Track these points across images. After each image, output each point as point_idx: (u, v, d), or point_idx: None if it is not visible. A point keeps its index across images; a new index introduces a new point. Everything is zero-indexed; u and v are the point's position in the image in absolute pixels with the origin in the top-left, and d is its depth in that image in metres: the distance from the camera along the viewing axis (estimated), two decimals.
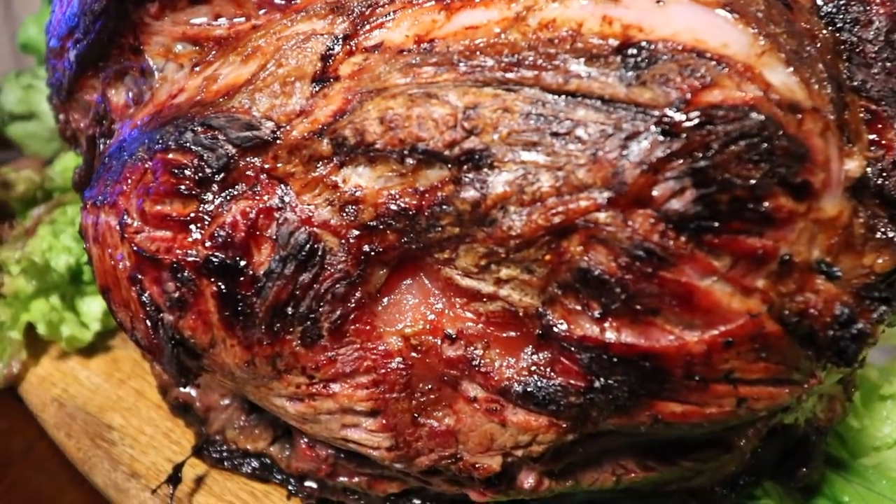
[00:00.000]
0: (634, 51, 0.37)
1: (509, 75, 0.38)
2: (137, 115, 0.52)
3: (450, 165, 0.39)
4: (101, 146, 0.58)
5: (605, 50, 0.38)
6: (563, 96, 0.37)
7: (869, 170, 0.41)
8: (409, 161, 0.39)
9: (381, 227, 0.41)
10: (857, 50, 0.42)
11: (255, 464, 0.59)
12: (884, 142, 0.41)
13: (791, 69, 0.38)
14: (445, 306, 0.43)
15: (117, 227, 0.46)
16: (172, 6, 0.50)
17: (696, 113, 0.35)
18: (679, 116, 0.35)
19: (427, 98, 0.39)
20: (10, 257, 0.70)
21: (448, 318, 0.43)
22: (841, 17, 0.42)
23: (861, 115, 0.42)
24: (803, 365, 0.40)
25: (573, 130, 0.37)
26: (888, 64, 0.42)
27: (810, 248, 0.38)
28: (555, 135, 0.37)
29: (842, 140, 0.39)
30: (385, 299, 0.44)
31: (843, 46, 0.42)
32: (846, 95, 0.41)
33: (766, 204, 0.36)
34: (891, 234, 0.40)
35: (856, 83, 0.42)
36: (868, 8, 0.42)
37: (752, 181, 0.35)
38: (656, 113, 0.36)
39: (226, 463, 0.60)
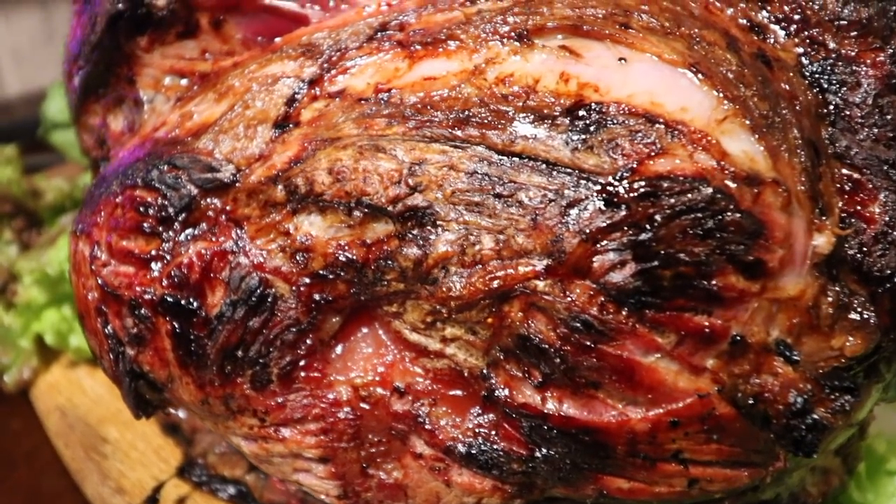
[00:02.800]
0: (584, 113, 0.36)
1: (457, 132, 0.37)
2: (126, 144, 0.53)
3: (394, 221, 0.38)
4: (102, 170, 0.59)
5: (555, 110, 0.36)
6: (509, 157, 0.36)
7: (848, 243, 0.38)
8: (357, 213, 0.39)
9: (331, 276, 0.41)
10: (843, 113, 0.39)
11: (231, 490, 0.59)
12: (866, 213, 0.39)
13: (755, 136, 0.36)
14: (396, 359, 0.42)
15: (89, 259, 0.47)
16: (162, 40, 0.51)
17: (641, 183, 0.34)
18: (623, 185, 0.34)
19: (375, 151, 0.38)
20: (25, 267, 0.73)
21: (398, 372, 0.42)
22: (826, 77, 0.40)
23: (841, 184, 0.39)
24: (763, 447, 0.38)
25: (516, 193, 0.36)
26: (875, 130, 0.39)
27: (767, 328, 0.35)
28: (498, 196, 0.36)
29: (812, 212, 0.37)
30: (339, 346, 0.43)
31: (827, 109, 0.40)
32: (824, 163, 0.38)
33: (715, 282, 0.34)
34: (866, 316, 0.37)
35: (839, 149, 0.39)
36: (856, 69, 0.40)
37: (699, 258, 0.33)
38: (600, 180, 0.34)
39: (205, 487, 0.61)
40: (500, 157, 0.36)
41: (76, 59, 0.57)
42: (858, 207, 0.39)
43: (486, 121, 0.37)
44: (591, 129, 0.35)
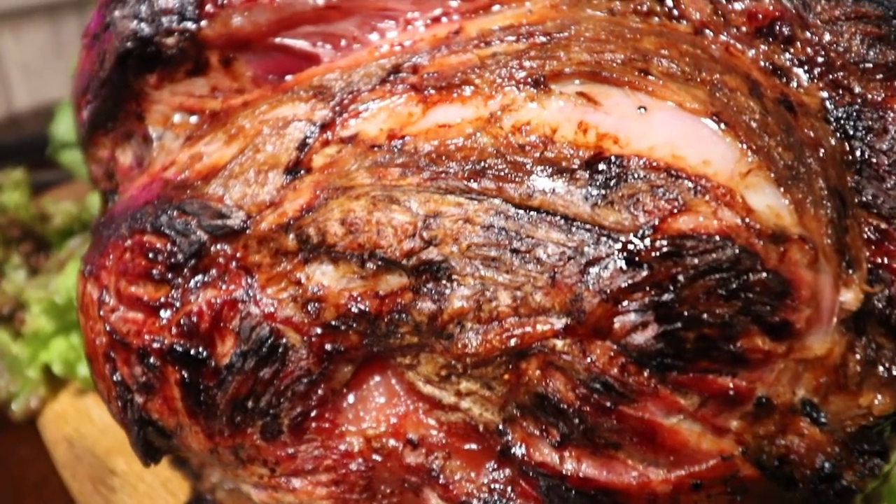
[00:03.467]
0: (604, 167, 0.35)
1: (473, 184, 0.36)
2: (134, 182, 0.52)
3: (408, 274, 0.37)
4: (110, 204, 0.58)
5: (574, 163, 0.35)
6: (526, 211, 0.35)
7: (877, 296, 0.37)
8: (370, 266, 0.38)
9: (344, 327, 0.40)
10: (869, 161, 0.38)
11: None
12: (894, 265, 0.37)
13: (781, 189, 0.35)
14: (409, 410, 0.41)
15: (97, 302, 0.46)
16: (171, 77, 0.50)
17: (664, 241, 0.33)
18: (644, 244, 0.33)
19: (389, 203, 0.37)
20: (32, 296, 0.72)
21: (411, 423, 0.41)
22: (852, 123, 0.39)
23: (868, 234, 0.38)
24: None
25: (533, 249, 0.35)
26: None
27: (793, 388, 0.34)
28: (515, 252, 0.35)
29: (839, 266, 0.36)
30: (351, 395, 0.43)
31: (852, 156, 0.39)
32: (850, 214, 0.37)
33: (739, 344, 0.33)
34: (895, 372, 0.36)
35: (865, 198, 0.38)
36: (883, 115, 0.38)
37: (723, 319, 0.32)
38: (621, 238, 0.33)
39: None
40: (518, 210, 0.35)
41: (84, 92, 0.56)
42: (886, 259, 0.38)
43: (502, 173, 0.36)
44: (612, 183, 0.34)
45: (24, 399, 0.72)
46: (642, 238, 0.33)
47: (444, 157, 0.38)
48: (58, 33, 1.58)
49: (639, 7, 0.43)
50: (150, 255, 0.43)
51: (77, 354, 0.73)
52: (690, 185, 0.34)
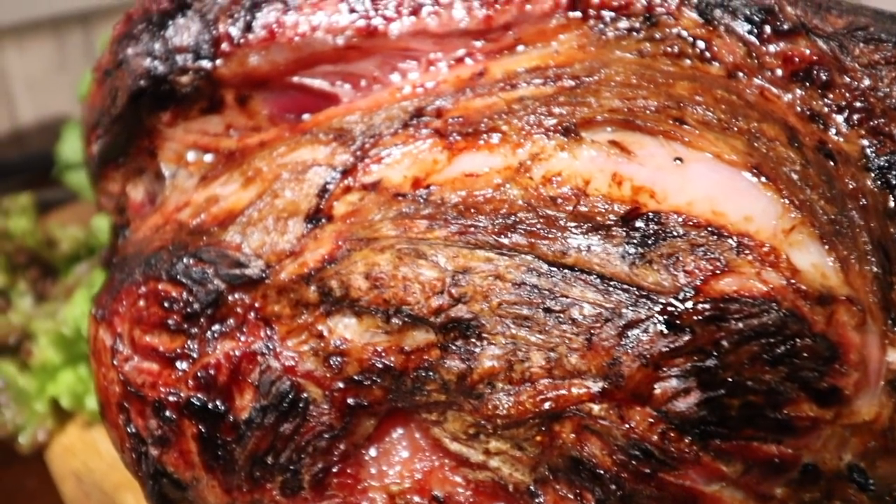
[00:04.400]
0: (642, 223, 0.33)
1: (503, 240, 0.35)
2: (147, 221, 0.51)
3: (436, 331, 0.36)
4: (120, 239, 0.57)
5: (609, 218, 0.34)
6: (560, 269, 0.34)
7: None
8: (395, 321, 0.37)
9: (367, 382, 0.38)
10: None
11: None
12: None
13: (825, 247, 0.33)
14: (435, 466, 0.40)
15: (110, 350, 0.45)
16: (185, 115, 0.49)
17: (707, 305, 0.31)
18: (686, 307, 0.32)
19: (415, 257, 0.36)
20: (40, 328, 0.71)
21: (437, 479, 0.40)
22: (894, 173, 0.37)
23: None
24: None
25: (568, 309, 0.33)
26: None
27: (840, 454, 0.33)
28: (548, 311, 0.34)
29: (886, 324, 0.34)
30: (373, 449, 0.41)
31: (895, 207, 0.37)
32: (894, 268, 0.36)
33: (785, 411, 0.31)
34: None
35: None
36: None
37: (769, 386, 0.31)
38: (661, 300, 0.32)
39: None
40: (551, 268, 0.34)
41: (95, 126, 0.55)
42: None
43: (534, 228, 0.35)
44: (650, 241, 0.33)
45: (31, 432, 0.71)
46: (684, 300, 0.32)
47: (472, 210, 0.36)
48: (62, 47, 1.57)
49: (669, 49, 0.41)
50: (166, 304, 0.42)
51: (85, 387, 0.71)
52: (733, 243, 0.32)
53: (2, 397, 0.74)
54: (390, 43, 0.44)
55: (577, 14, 0.43)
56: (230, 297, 0.41)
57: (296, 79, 0.46)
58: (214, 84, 0.47)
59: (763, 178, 0.34)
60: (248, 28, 0.45)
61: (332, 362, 0.39)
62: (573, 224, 0.34)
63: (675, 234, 0.33)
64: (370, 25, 0.43)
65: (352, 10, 0.44)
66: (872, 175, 0.38)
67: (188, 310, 0.41)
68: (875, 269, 0.35)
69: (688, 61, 0.41)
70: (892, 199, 0.37)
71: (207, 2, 0.46)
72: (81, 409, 0.71)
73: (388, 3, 0.43)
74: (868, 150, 0.38)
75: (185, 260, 0.42)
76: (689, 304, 0.31)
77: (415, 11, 0.43)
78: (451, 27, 0.43)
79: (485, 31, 0.43)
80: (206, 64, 0.46)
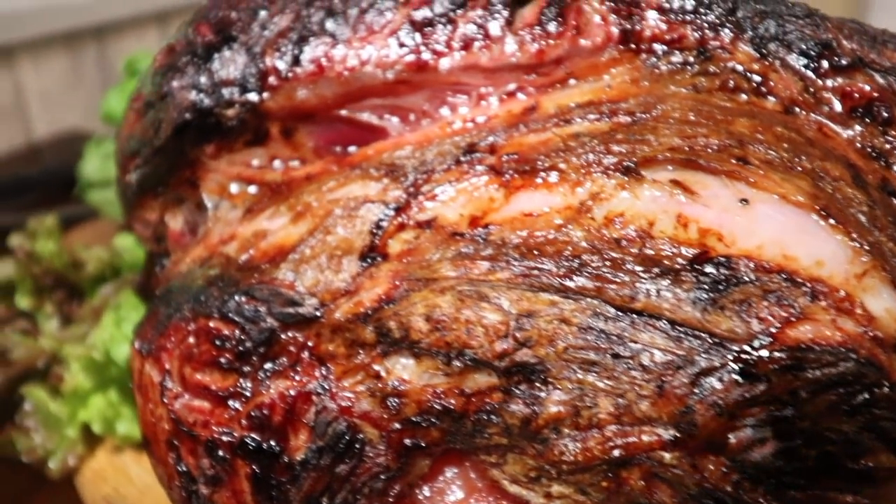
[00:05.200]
0: (712, 268, 0.33)
1: (569, 283, 0.35)
2: (189, 252, 0.51)
3: (499, 375, 0.35)
4: (158, 268, 0.57)
5: (678, 263, 0.34)
6: (628, 314, 0.33)
7: None
8: (456, 364, 0.36)
9: (425, 423, 0.38)
10: None
11: None
12: None
13: None
14: None
15: (158, 386, 0.44)
16: (229, 147, 0.48)
17: (783, 353, 0.31)
18: (762, 355, 0.31)
19: (478, 300, 0.36)
20: (71, 353, 0.71)
21: None
22: None
23: None
24: None
25: (638, 355, 0.33)
26: None
27: None
28: (616, 357, 0.33)
29: None
30: (426, 488, 0.41)
31: None
32: None
33: (864, 461, 0.31)
34: None
35: None
36: None
37: (847, 436, 0.31)
38: (735, 348, 0.32)
39: None
40: (619, 313, 0.34)
41: (134, 155, 0.55)
42: None
43: (600, 272, 0.34)
44: (721, 287, 0.33)
45: (61, 457, 0.70)
46: (759, 349, 0.31)
47: (535, 252, 0.36)
48: (76, 62, 1.57)
49: (724, 83, 0.41)
50: (218, 342, 0.42)
51: (115, 412, 0.71)
52: (806, 289, 0.32)
53: (31, 422, 0.73)
54: (440, 77, 0.43)
55: (629, 47, 0.43)
56: (283, 336, 0.41)
57: (343, 112, 0.46)
58: (260, 117, 0.47)
59: (831, 220, 0.34)
60: (295, 61, 0.45)
61: (389, 403, 0.38)
62: (640, 268, 0.34)
63: (746, 279, 0.33)
64: (420, 60, 0.43)
65: (402, 45, 0.43)
66: None
67: (240, 348, 0.41)
68: None
69: (744, 96, 0.41)
70: None
71: (253, 34, 0.46)
72: (112, 434, 0.71)
73: (439, 37, 0.43)
74: None
75: (236, 297, 0.42)
76: (765, 353, 0.31)
77: (466, 46, 0.43)
78: (503, 61, 0.43)
79: (536, 65, 0.43)
80: (252, 97, 0.46)
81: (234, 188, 0.50)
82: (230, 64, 0.46)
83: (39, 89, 1.53)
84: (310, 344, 0.40)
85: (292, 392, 0.40)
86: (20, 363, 0.75)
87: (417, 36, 0.43)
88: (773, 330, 0.31)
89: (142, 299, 0.65)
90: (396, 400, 0.38)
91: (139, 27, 1.68)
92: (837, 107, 0.40)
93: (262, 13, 0.46)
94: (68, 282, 0.83)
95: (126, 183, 0.57)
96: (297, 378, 0.40)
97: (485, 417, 0.36)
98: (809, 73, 0.41)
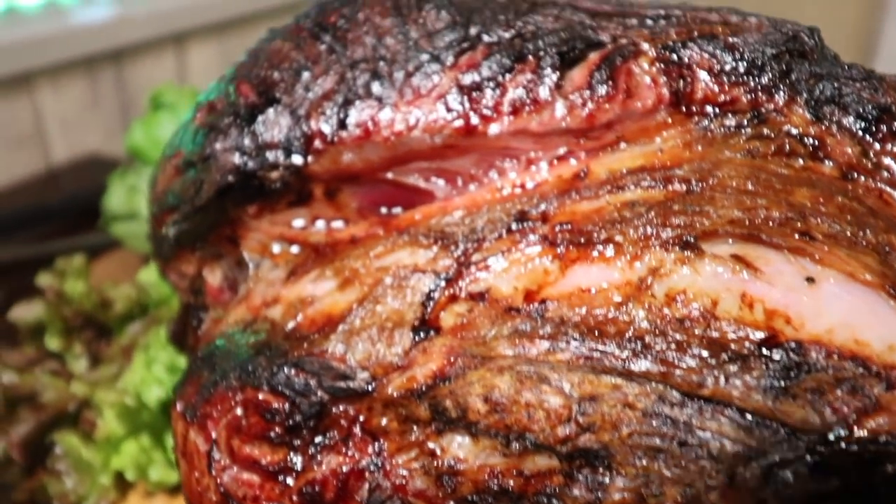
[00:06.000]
0: (782, 354, 0.32)
1: (632, 366, 0.34)
2: (231, 311, 0.50)
3: (560, 458, 0.35)
4: (195, 321, 0.56)
5: (745, 347, 0.33)
6: (695, 400, 0.33)
7: None
8: (515, 445, 0.36)
9: (481, 502, 0.37)
10: None
11: None
12: None
13: None
14: None
15: (205, 456, 0.44)
16: (272, 208, 0.48)
17: (859, 446, 0.30)
18: (837, 448, 0.30)
19: (538, 382, 0.35)
20: (104, 400, 0.70)
21: None
22: None
23: None
24: None
25: (707, 444, 0.32)
26: None
27: None
28: (683, 444, 0.33)
29: None
30: None
31: None
32: None
33: None
34: None
35: None
36: None
37: None
38: (808, 439, 0.31)
39: None
40: (686, 398, 0.33)
41: (172, 210, 0.54)
42: None
43: (665, 355, 0.34)
44: (793, 374, 0.32)
45: (93, 502, 0.70)
46: (834, 441, 0.30)
47: (595, 332, 0.35)
48: (95, 86, 1.58)
49: (780, 147, 0.40)
50: (267, 416, 0.41)
51: (148, 458, 0.71)
52: (881, 378, 0.31)
53: (62, 466, 0.73)
54: (489, 142, 0.43)
55: (681, 110, 0.42)
56: (334, 409, 0.40)
57: (389, 174, 0.45)
58: (304, 179, 0.46)
59: None
60: (341, 125, 0.44)
61: (444, 482, 0.38)
62: (706, 352, 0.33)
63: (819, 366, 0.32)
64: (469, 125, 0.42)
65: (449, 109, 0.43)
66: None
67: (291, 421, 0.40)
68: None
69: (800, 160, 0.40)
70: None
71: (297, 96, 0.46)
72: (145, 479, 0.71)
73: (487, 101, 0.42)
74: None
75: (286, 369, 0.41)
76: (841, 445, 0.30)
77: (515, 110, 0.42)
78: (552, 126, 0.42)
79: (587, 129, 0.42)
80: (297, 161, 0.45)
81: (276, 248, 0.49)
82: (274, 126, 0.46)
83: (58, 114, 1.53)
84: (362, 418, 0.40)
85: (345, 468, 0.39)
86: (51, 407, 0.74)
87: (465, 100, 0.43)
88: (850, 421, 0.31)
89: (176, 348, 0.65)
90: (452, 479, 0.38)
91: (157, 49, 1.68)
92: None
93: (306, 74, 0.46)
94: (97, 321, 0.83)
95: (162, 236, 0.57)
96: (350, 453, 0.39)
97: (544, 500, 0.35)
98: (868, 138, 0.40)
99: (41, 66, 1.46)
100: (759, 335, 0.33)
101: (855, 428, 0.30)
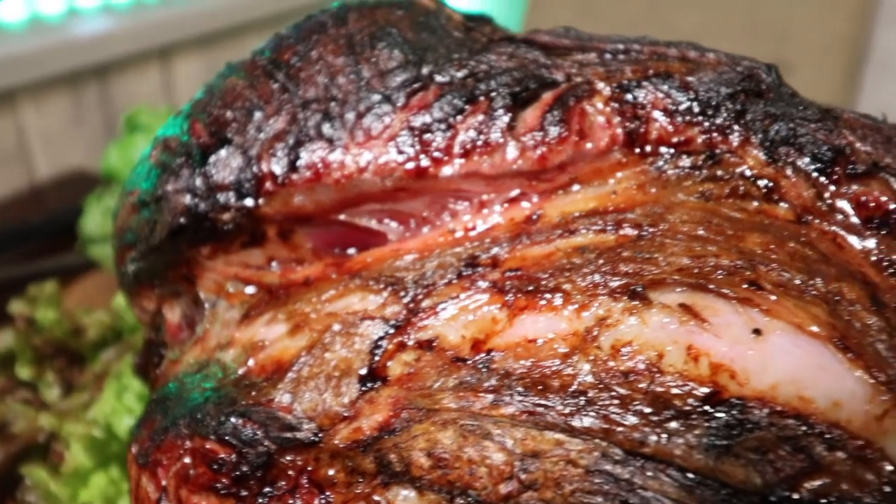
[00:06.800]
0: (724, 411, 0.32)
1: (575, 423, 0.33)
2: (187, 353, 0.50)
3: None
4: (156, 358, 0.56)
5: (688, 403, 0.32)
6: (637, 458, 0.32)
7: None
8: (459, 501, 0.35)
9: None
10: None
11: None
12: None
13: None
14: None
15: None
16: (225, 249, 0.47)
17: None
18: None
19: (481, 437, 0.34)
20: (72, 433, 0.69)
21: None
22: None
23: None
24: None
25: (648, 502, 0.31)
26: None
27: None
28: (624, 503, 0.32)
29: None
30: None
31: None
32: None
33: None
34: None
35: None
36: None
37: None
38: (750, 500, 0.30)
39: None
40: (628, 456, 0.32)
41: (130, 247, 0.54)
42: None
43: (607, 411, 0.33)
44: (735, 433, 0.31)
45: None
46: (775, 502, 0.30)
47: (540, 386, 0.35)
48: (78, 101, 1.57)
49: (735, 189, 0.40)
50: (214, 466, 0.40)
51: (117, 489, 0.70)
52: (824, 437, 0.31)
53: (32, 497, 0.72)
54: (441, 184, 0.42)
55: (635, 151, 0.41)
56: (281, 460, 0.39)
57: (342, 216, 0.45)
58: (257, 221, 0.45)
59: (849, 354, 0.33)
60: (292, 167, 0.44)
61: None
62: (649, 408, 0.33)
63: (761, 424, 0.31)
64: (419, 167, 0.42)
65: (400, 151, 0.42)
66: None
67: (237, 472, 0.40)
68: None
69: (755, 203, 0.40)
70: None
71: (249, 136, 0.45)
72: None
73: (438, 143, 0.42)
74: None
75: (233, 419, 0.40)
76: None
77: (466, 153, 0.42)
78: (504, 168, 0.41)
79: (539, 171, 0.41)
80: (248, 203, 0.45)
81: (231, 288, 0.49)
82: (225, 168, 0.45)
83: (41, 130, 1.53)
84: (309, 469, 0.39)
85: None
86: (21, 438, 0.74)
87: (416, 142, 0.42)
88: (790, 482, 0.30)
89: (142, 381, 0.64)
90: None
91: (141, 64, 1.68)
92: (853, 216, 0.38)
93: (258, 114, 0.45)
94: (69, 349, 0.82)
95: (123, 272, 0.56)
96: None
97: None
98: (822, 180, 0.39)
99: (24, 83, 1.46)
100: (704, 391, 0.32)
101: (796, 489, 0.30)
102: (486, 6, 2.05)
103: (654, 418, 0.32)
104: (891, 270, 0.37)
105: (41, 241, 1.25)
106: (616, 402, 0.33)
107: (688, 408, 0.32)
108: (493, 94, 0.42)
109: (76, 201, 1.13)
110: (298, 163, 0.43)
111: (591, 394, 0.34)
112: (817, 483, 0.30)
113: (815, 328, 0.33)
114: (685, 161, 0.41)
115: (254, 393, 0.41)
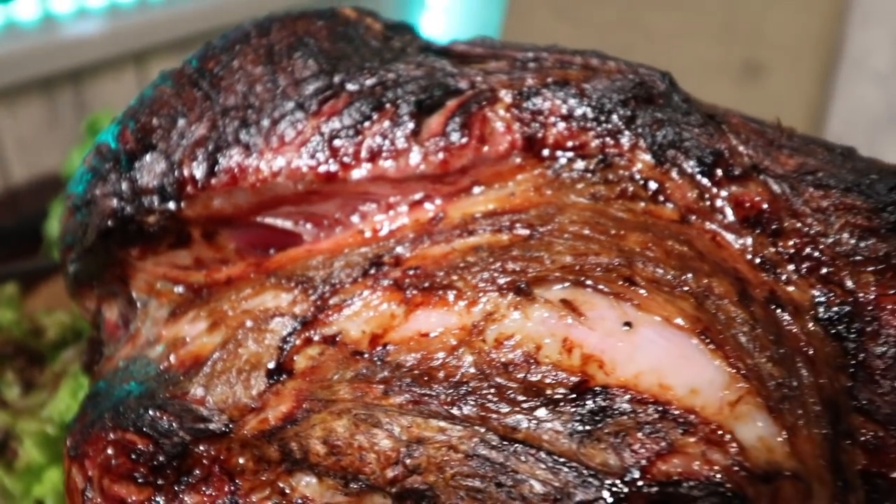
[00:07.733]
0: (590, 399, 0.34)
1: (455, 411, 0.36)
2: (120, 350, 0.52)
3: (393, 499, 0.36)
4: (97, 355, 0.58)
5: (558, 392, 0.35)
6: (510, 443, 0.34)
7: None
8: (353, 486, 0.37)
9: None
10: (863, 364, 0.37)
11: None
12: (892, 475, 0.36)
13: (772, 417, 0.34)
14: None
15: (80, 494, 0.45)
16: (153, 250, 0.49)
17: (652, 487, 0.32)
18: (632, 489, 0.32)
19: (371, 426, 0.37)
20: (25, 430, 0.71)
21: None
22: (844, 324, 0.38)
23: (866, 441, 0.37)
24: None
25: (519, 485, 0.34)
26: None
27: None
28: (500, 486, 0.34)
29: (835, 488, 0.35)
30: None
31: (846, 359, 0.38)
32: (845, 425, 0.36)
33: None
34: None
35: (860, 403, 0.37)
36: (876, 315, 0.38)
37: None
38: (607, 482, 0.32)
39: None
40: (502, 441, 0.34)
41: (69, 249, 0.56)
42: (884, 468, 0.37)
43: (485, 400, 0.35)
44: (597, 419, 0.33)
45: None
46: (630, 483, 0.32)
47: (426, 377, 0.37)
48: (53, 106, 1.59)
49: (624, 191, 0.42)
50: (133, 456, 0.42)
51: None
52: (679, 421, 0.33)
53: None
54: (349, 187, 0.44)
55: (533, 155, 0.44)
56: (195, 449, 0.42)
57: (259, 218, 0.47)
58: (180, 223, 0.48)
59: (711, 345, 0.35)
60: (211, 171, 0.46)
61: None
62: (523, 397, 0.35)
63: (622, 410, 0.33)
64: (329, 171, 0.44)
65: (311, 156, 0.44)
66: (822, 326, 0.38)
67: (154, 462, 0.42)
68: (824, 431, 0.35)
69: (642, 203, 0.42)
70: (842, 350, 0.38)
71: (172, 143, 0.47)
72: None
73: (346, 148, 0.44)
74: (818, 300, 0.39)
75: (150, 412, 0.43)
76: (635, 487, 0.32)
77: (373, 157, 0.44)
78: (409, 172, 0.44)
79: (442, 174, 0.44)
80: (171, 206, 0.47)
81: (161, 287, 0.51)
82: (150, 172, 0.47)
83: (16, 135, 1.54)
84: (221, 458, 0.41)
85: None
86: None
87: (326, 147, 0.44)
88: (644, 463, 0.32)
89: (88, 377, 0.66)
90: None
91: (116, 69, 1.69)
92: (731, 216, 0.41)
93: (181, 121, 0.48)
94: (29, 349, 0.84)
95: (65, 273, 0.58)
96: (209, 493, 0.41)
97: None
98: (705, 181, 0.42)
99: None
100: (573, 380, 0.35)
101: (650, 470, 0.32)
102: (464, 12, 2.07)
103: (527, 406, 0.35)
104: (764, 266, 0.39)
105: (13, 245, 1.27)
106: (493, 391, 0.36)
107: (558, 396, 0.34)
108: (400, 101, 0.44)
109: (51, 205, 1.15)
110: (217, 167, 0.46)
111: (472, 384, 0.36)
112: (671, 463, 0.32)
113: (680, 321, 0.36)
114: (579, 164, 0.43)
115: (171, 387, 0.44)
